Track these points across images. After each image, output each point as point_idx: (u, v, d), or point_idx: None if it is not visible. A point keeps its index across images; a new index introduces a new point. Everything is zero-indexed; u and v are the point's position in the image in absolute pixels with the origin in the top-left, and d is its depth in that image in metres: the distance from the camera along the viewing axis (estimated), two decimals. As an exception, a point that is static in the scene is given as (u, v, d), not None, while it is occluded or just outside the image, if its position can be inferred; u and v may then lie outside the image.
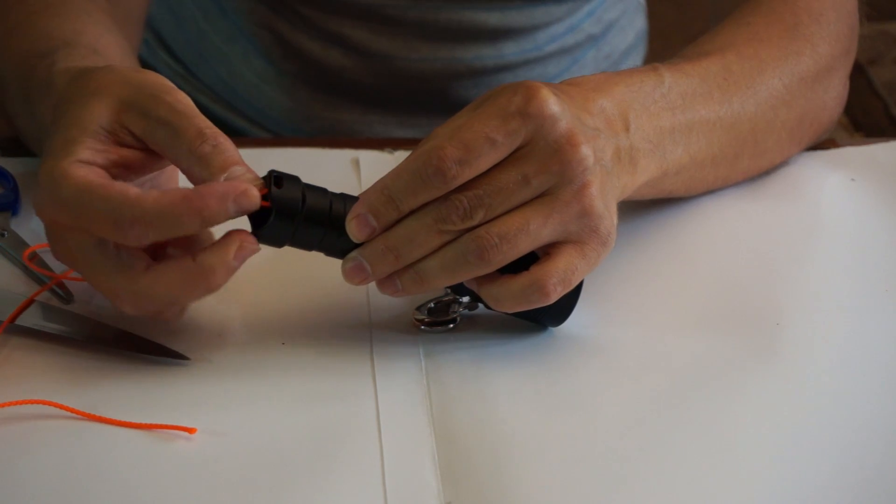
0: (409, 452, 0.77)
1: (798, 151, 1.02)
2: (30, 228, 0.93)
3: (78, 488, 0.74)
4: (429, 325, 0.86)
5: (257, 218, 0.79)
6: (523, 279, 0.79)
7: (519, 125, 0.78)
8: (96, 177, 0.77)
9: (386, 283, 0.80)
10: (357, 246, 0.80)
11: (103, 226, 0.76)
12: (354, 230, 0.79)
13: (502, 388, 0.81)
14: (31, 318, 0.84)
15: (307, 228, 0.79)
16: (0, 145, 1.02)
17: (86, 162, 0.78)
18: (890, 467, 0.77)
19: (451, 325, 0.86)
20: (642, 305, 0.89)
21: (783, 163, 1.02)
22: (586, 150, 0.79)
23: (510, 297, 0.80)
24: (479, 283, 0.81)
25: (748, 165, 0.98)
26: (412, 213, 0.79)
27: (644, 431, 0.79)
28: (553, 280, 0.79)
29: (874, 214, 0.97)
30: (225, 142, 0.78)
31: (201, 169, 0.77)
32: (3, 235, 0.92)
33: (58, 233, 0.79)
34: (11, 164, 0.98)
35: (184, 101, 0.79)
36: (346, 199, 0.80)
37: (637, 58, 1.33)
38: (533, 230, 0.78)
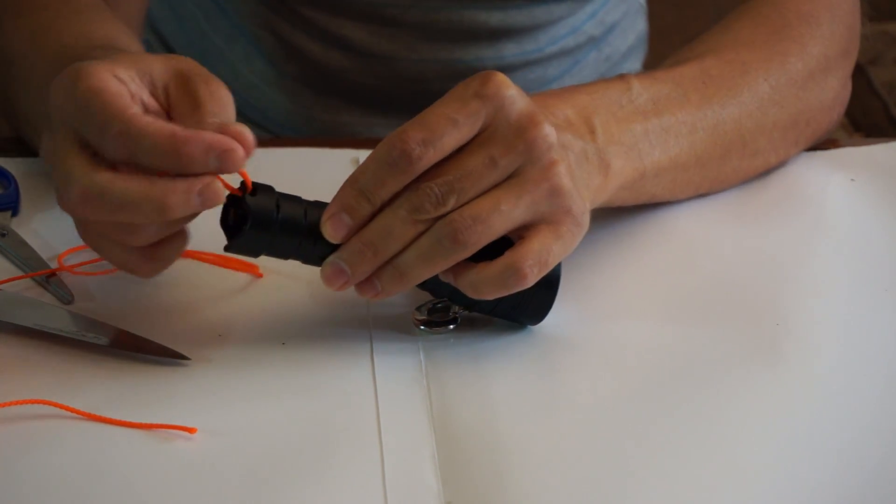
0: (409, 452, 0.77)
1: (797, 152, 1.02)
2: (30, 228, 0.93)
3: (78, 488, 0.74)
4: (429, 325, 0.86)
5: (232, 228, 0.80)
6: (499, 263, 0.79)
7: (479, 106, 0.79)
8: (115, 86, 0.77)
9: (365, 285, 0.80)
10: (334, 251, 0.80)
11: (91, 128, 0.76)
12: (330, 230, 0.79)
13: (502, 388, 0.82)
14: (31, 318, 0.84)
15: (283, 237, 0.79)
16: (1, 146, 1.02)
17: (119, 78, 0.78)
18: (890, 467, 0.77)
19: (452, 326, 0.86)
20: (643, 306, 0.89)
21: (782, 163, 1.02)
22: (548, 129, 0.80)
23: (487, 283, 0.80)
24: (456, 272, 0.80)
25: (739, 166, 0.98)
26: (386, 209, 0.79)
27: (644, 431, 0.79)
28: (528, 262, 0.79)
29: (874, 214, 0.97)
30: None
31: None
32: (3, 235, 0.92)
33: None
34: (12, 165, 0.98)
35: (219, 90, 0.79)
36: (321, 207, 0.80)
37: (637, 59, 1.33)
38: (505, 210, 0.79)
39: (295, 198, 0.80)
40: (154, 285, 0.89)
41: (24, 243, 0.92)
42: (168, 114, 0.80)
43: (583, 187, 0.83)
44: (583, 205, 0.81)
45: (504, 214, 0.79)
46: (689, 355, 0.85)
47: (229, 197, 0.79)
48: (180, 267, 0.90)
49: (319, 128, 1.23)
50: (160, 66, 0.80)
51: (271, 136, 1.24)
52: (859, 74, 2.17)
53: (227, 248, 0.80)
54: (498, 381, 0.82)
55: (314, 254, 0.80)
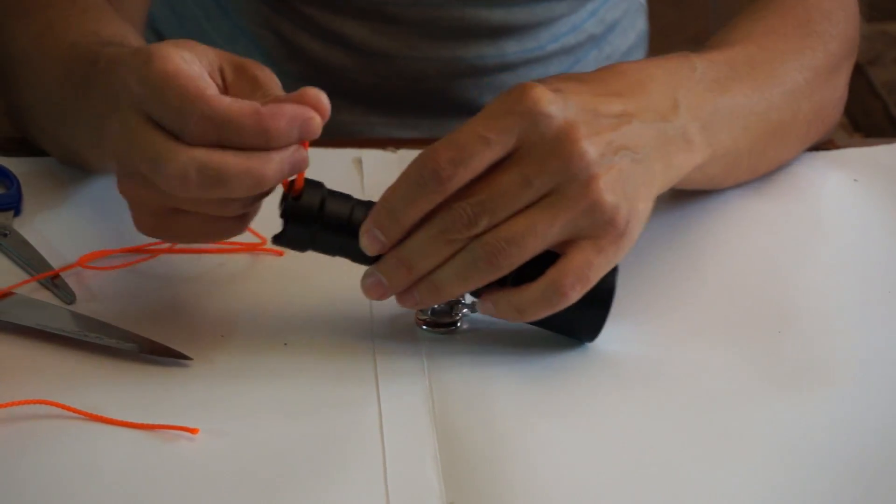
0: (411, 453, 0.77)
1: (804, 149, 1.02)
2: (32, 229, 0.93)
3: (79, 488, 0.74)
4: (431, 325, 0.86)
5: (283, 221, 0.81)
6: (540, 283, 0.79)
7: (511, 123, 0.77)
8: (187, 67, 0.78)
9: (405, 296, 0.80)
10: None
11: (168, 112, 0.77)
12: (367, 245, 0.80)
13: (504, 390, 0.81)
14: (32, 318, 0.84)
15: (326, 235, 0.81)
16: (3, 145, 1.02)
17: (184, 59, 0.78)
18: (894, 471, 0.77)
19: (454, 327, 0.86)
20: (645, 310, 0.88)
21: (787, 162, 1.02)
22: (587, 145, 0.78)
23: (531, 305, 0.79)
24: (495, 298, 0.80)
25: (774, 155, 0.98)
26: (422, 224, 0.79)
27: (646, 435, 0.79)
28: (569, 280, 0.78)
29: (876, 216, 0.97)
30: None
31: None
32: (5, 235, 0.92)
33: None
34: (14, 164, 0.98)
35: (270, 74, 0.82)
36: (369, 206, 0.81)
37: (638, 58, 1.33)
38: (540, 231, 0.78)
39: (344, 196, 0.81)
40: (156, 286, 0.89)
41: (26, 243, 0.92)
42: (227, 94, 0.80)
43: (643, 184, 0.81)
44: (628, 212, 0.79)
45: (539, 235, 0.78)
46: (690, 362, 0.85)
47: (283, 193, 0.81)
48: (181, 267, 0.90)
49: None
50: (213, 52, 0.81)
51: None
52: (859, 74, 2.17)
53: (274, 241, 0.81)
54: (500, 381, 0.82)
55: (360, 254, 0.81)
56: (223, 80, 0.81)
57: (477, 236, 0.78)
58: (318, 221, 0.80)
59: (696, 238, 0.95)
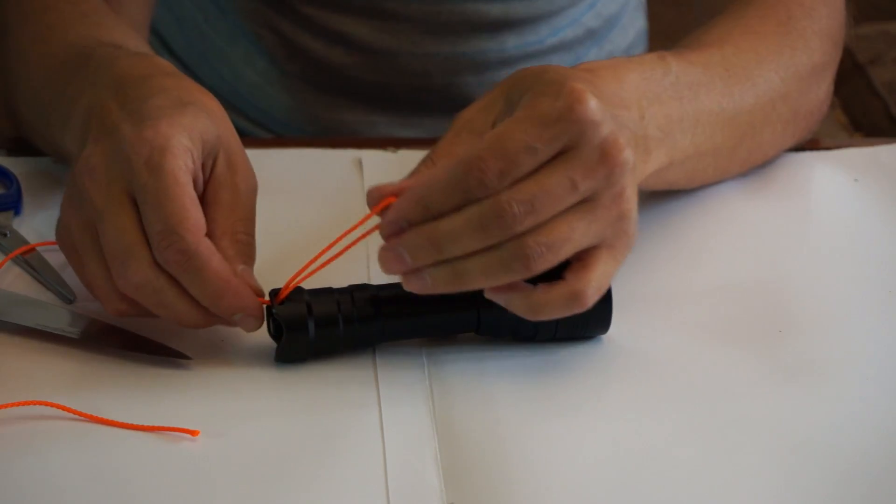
0: (411, 453, 0.77)
1: (790, 145, 1.02)
2: (32, 228, 0.93)
3: (79, 490, 0.74)
4: (432, 325, 0.86)
5: (276, 336, 0.82)
6: (562, 290, 0.78)
7: (561, 131, 0.76)
8: (189, 180, 0.79)
9: (415, 278, 0.78)
10: (391, 332, 0.82)
11: (156, 220, 0.78)
12: (386, 231, 0.78)
13: (505, 390, 0.81)
14: (32, 318, 0.84)
15: (324, 332, 0.81)
16: (3, 145, 1.02)
17: (186, 147, 0.80)
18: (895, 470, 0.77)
19: (454, 326, 0.86)
20: (647, 310, 0.88)
21: (776, 157, 1.02)
22: (628, 155, 0.78)
23: (549, 306, 0.78)
24: (511, 294, 0.79)
25: (745, 158, 0.98)
26: (457, 213, 0.77)
27: (646, 435, 0.79)
28: (592, 289, 0.78)
29: (877, 216, 0.97)
30: (253, 244, 0.83)
31: (225, 247, 0.81)
32: (5, 235, 0.92)
33: (86, 190, 0.80)
34: (14, 164, 0.98)
35: (252, 184, 0.83)
36: (355, 292, 0.82)
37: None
38: (577, 238, 0.77)
39: (325, 290, 0.82)
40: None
41: (26, 244, 0.91)
42: (204, 183, 0.82)
43: (636, 193, 0.81)
44: (636, 223, 0.80)
45: (575, 242, 0.77)
46: (692, 361, 0.85)
47: (267, 310, 0.82)
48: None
49: (322, 127, 1.23)
50: (218, 132, 0.82)
51: (273, 136, 1.24)
52: (859, 74, 2.16)
53: (277, 360, 0.83)
54: (501, 381, 0.82)
55: (366, 339, 0.82)
56: (213, 165, 0.82)
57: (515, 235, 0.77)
58: (312, 323, 0.81)
59: (698, 238, 0.95)
